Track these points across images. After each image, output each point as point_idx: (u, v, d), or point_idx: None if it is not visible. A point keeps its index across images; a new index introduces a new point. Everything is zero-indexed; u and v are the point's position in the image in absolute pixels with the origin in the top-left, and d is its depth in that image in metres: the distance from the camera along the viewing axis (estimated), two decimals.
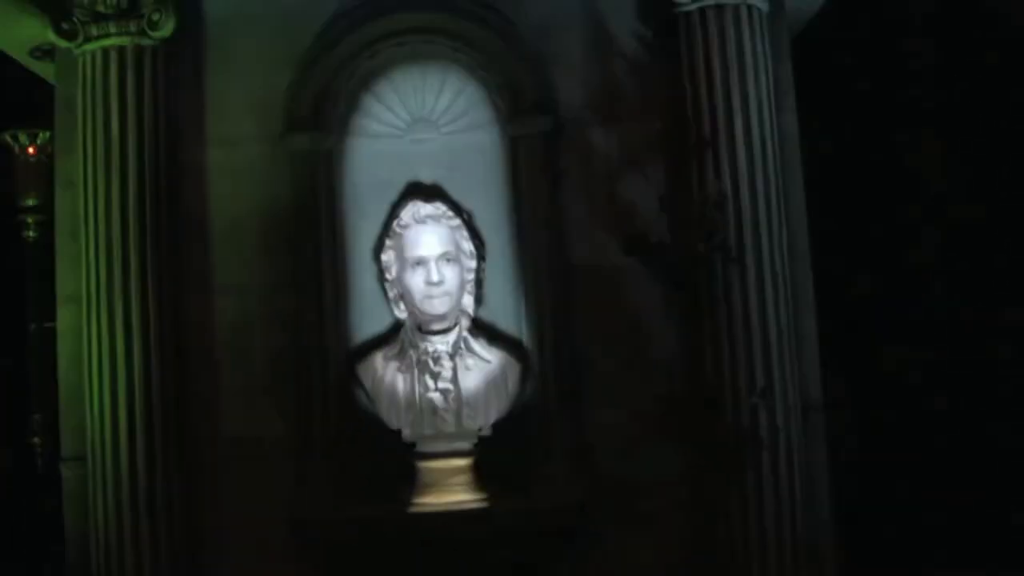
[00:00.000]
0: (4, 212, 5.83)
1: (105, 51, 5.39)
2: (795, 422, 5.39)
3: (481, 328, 5.60)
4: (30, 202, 5.66)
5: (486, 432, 5.42)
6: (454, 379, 5.43)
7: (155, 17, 5.41)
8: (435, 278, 5.55)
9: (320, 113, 5.57)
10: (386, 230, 5.62)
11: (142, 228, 5.33)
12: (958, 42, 7.53)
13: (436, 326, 5.54)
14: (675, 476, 5.41)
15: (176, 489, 5.30)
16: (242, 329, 5.55)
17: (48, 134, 5.71)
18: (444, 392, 5.40)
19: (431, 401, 5.39)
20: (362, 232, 5.67)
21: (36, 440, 5.48)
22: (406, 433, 5.36)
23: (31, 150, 5.66)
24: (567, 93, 5.66)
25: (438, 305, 5.56)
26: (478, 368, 5.47)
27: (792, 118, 5.70)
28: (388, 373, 5.46)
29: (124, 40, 5.39)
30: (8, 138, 5.74)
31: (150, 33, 5.41)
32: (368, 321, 5.64)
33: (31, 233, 5.62)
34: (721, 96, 5.46)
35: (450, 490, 5.28)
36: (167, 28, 5.43)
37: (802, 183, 5.70)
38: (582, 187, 5.64)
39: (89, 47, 5.41)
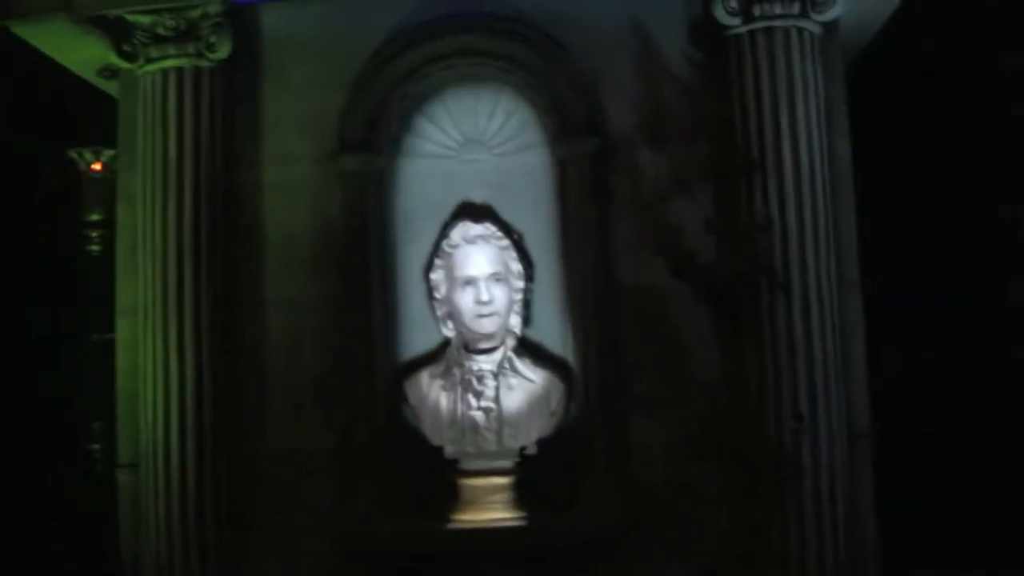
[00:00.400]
0: (70, 226, 6.04)
1: (164, 72, 5.59)
2: (840, 449, 5.35)
3: (527, 348, 5.65)
4: (94, 217, 5.86)
5: (530, 451, 5.49)
6: (496, 398, 5.48)
7: (212, 40, 5.58)
8: (485, 297, 5.62)
9: (372, 134, 5.68)
10: (436, 249, 5.70)
11: (196, 244, 5.50)
12: None
13: (483, 345, 5.61)
14: (716, 497, 5.39)
15: (224, 498, 5.46)
16: (292, 344, 5.67)
17: (112, 152, 5.89)
18: (486, 411, 5.46)
19: (473, 419, 5.45)
20: (412, 251, 5.77)
21: (95, 447, 5.66)
22: (448, 450, 5.44)
23: (96, 167, 5.86)
24: (616, 114, 5.69)
25: (487, 324, 5.62)
26: (521, 388, 5.52)
27: (844, 142, 5.65)
28: (433, 391, 5.54)
29: (183, 62, 5.58)
30: (74, 155, 5.95)
31: (208, 55, 5.59)
32: (417, 339, 5.74)
33: (95, 247, 5.81)
34: (769, 118, 5.45)
35: (490, 507, 5.35)
36: (224, 50, 5.60)
37: (853, 208, 5.64)
38: (630, 208, 5.66)
39: (149, 68, 5.61)
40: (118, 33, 5.58)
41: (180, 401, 5.42)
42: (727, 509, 5.40)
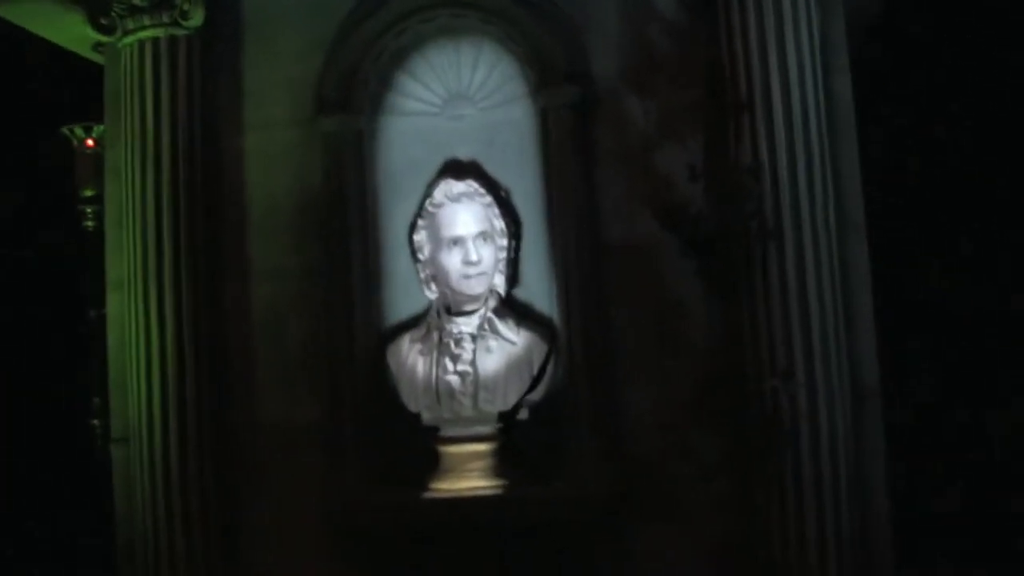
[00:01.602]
0: (66, 203, 6.09)
1: (141, 43, 5.52)
2: (842, 409, 4.96)
3: (512, 308, 5.42)
4: (88, 193, 5.89)
5: (522, 415, 5.28)
6: (473, 361, 5.27)
7: (186, 7, 5.49)
8: (474, 257, 5.41)
9: (349, 94, 5.51)
10: (420, 209, 5.51)
11: (175, 215, 5.43)
12: None
13: (468, 307, 5.40)
14: (713, 465, 5.06)
15: (210, 471, 5.38)
16: (277, 314, 5.57)
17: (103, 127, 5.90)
18: (462, 375, 5.25)
19: (448, 384, 5.25)
20: (399, 213, 5.59)
21: (95, 422, 5.69)
22: (425, 417, 5.26)
23: (89, 143, 5.89)
24: (600, 61, 5.38)
25: (475, 285, 5.41)
26: (500, 350, 5.29)
27: (844, 79, 5.22)
28: (411, 356, 5.36)
29: (158, 32, 5.50)
30: (67, 132, 5.98)
31: (182, 23, 5.50)
32: (404, 303, 5.56)
33: (90, 223, 5.84)
34: (757, 55, 5.06)
35: (468, 476, 5.16)
36: (197, 18, 5.51)
37: (856, 148, 5.22)
38: (617, 159, 5.35)
39: (127, 40, 5.54)
40: (95, 6, 5.54)
41: (162, 373, 5.36)
42: (728, 478, 5.09)
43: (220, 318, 5.54)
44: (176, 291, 5.40)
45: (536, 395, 5.32)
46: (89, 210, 5.85)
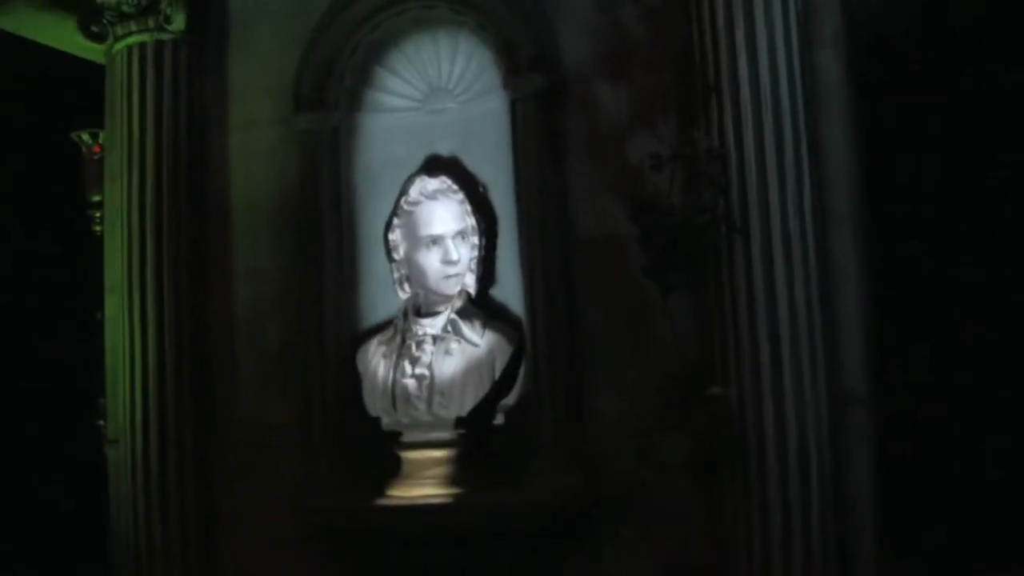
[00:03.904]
0: (77, 208, 6.23)
1: (130, 48, 5.57)
2: (815, 416, 4.50)
3: (482, 309, 5.18)
4: (96, 198, 5.99)
5: (498, 421, 5.05)
6: (431, 364, 5.06)
7: (168, 12, 5.51)
8: (454, 256, 5.22)
9: (324, 91, 5.40)
10: (395, 208, 5.35)
11: (159, 217, 5.45)
12: None
13: (440, 308, 5.21)
14: (684, 472, 4.71)
15: (190, 469, 5.38)
16: (257, 314, 5.52)
17: None
18: (419, 378, 5.03)
19: (405, 387, 5.04)
20: (378, 211, 5.43)
21: (101, 423, 5.79)
22: (384, 421, 5.09)
23: (96, 148, 6.00)
24: (570, 47, 5.09)
25: (453, 285, 5.23)
26: (461, 352, 5.05)
27: (831, 53, 4.72)
28: (375, 358, 5.19)
29: (145, 37, 5.54)
30: (76, 138, 6.12)
31: (166, 28, 5.52)
32: (382, 304, 5.40)
33: (98, 227, 5.94)
34: (724, 31, 4.65)
35: (424, 483, 4.96)
36: (179, 22, 5.52)
37: (846, 130, 4.73)
38: (587, 149, 5.05)
39: (119, 47, 5.62)
40: (87, 14, 5.64)
41: (144, 375, 5.38)
42: (696, 486, 4.73)
43: (203, 319, 5.52)
44: (159, 292, 5.42)
45: (510, 399, 5.09)
46: (97, 215, 5.96)
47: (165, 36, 5.55)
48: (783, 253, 4.55)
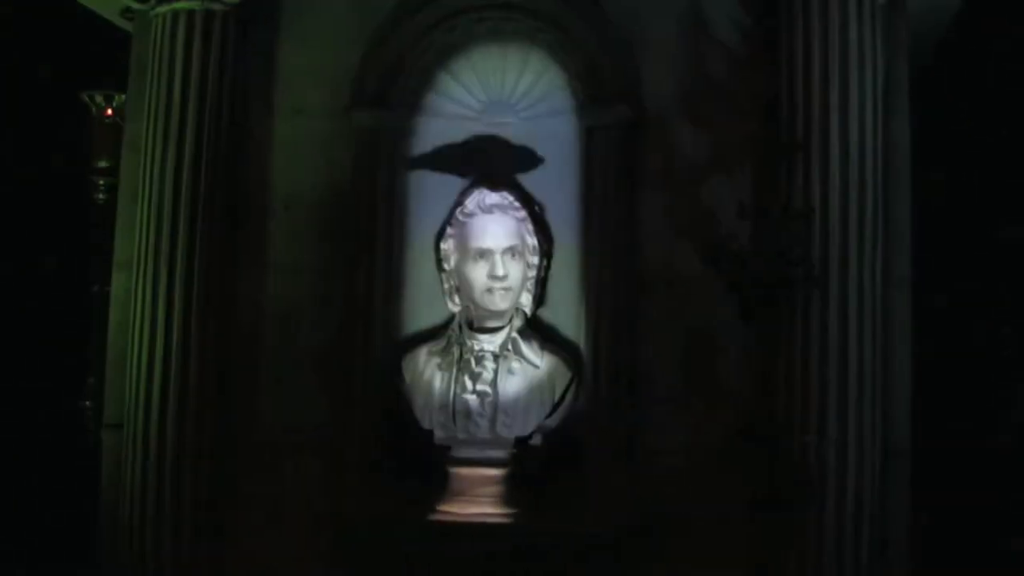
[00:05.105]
0: (77, 172, 5.82)
1: (175, 14, 5.27)
2: (870, 469, 4.79)
3: (537, 330, 5.22)
4: (102, 164, 5.61)
5: (534, 441, 5.07)
6: (494, 382, 5.06)
7: None
8: (500, 272, 5.20)
9: (389, 89, 5.29)
10: (449, 217, 5.29)
11: (194, 195, 5.19)
12: None
13: (491, 323, 5.19)
14: (736, 513, 4.86)
15: (205, 465, 5.15)
16: (292, 310, 5.34)
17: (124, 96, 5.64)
18: (481, 395, 5.04)
19: (466, 403, 5.04)
20: (427, 217, 5.35)
21: (87, 404, 5.43)
22: (438, 435, 5.04)
23: (108, 112, 5.62)
24: (653, 83, 5.18)
25: (499, 301, 5.21)
26: (523, 373, 5.08)
27: (903, 123, 5.03)
28: (428, 369, 5.14)
29: (195, 3, 5.25)
30: (86, 98, 5.72)
31: None
32: (425, 312, 5.34)
33: (101, 195, 5.57)
34: (818, 92, 4.88)
35: (479, 501, 4.94)
36: None
37: (909, 199, 5.04)
38: (662, 186, 5.16)
39: (161, 9, 5.30)
40: None
41: (164, 360, 5.11)
42: (750, 528, 4.87)
43: (231, 308, 5.29)
44: (187, 276, 5.16)
45: (552, 421, 5.13)
46: (102, 182, 5.58)
47: (217, 6, 5.27)
48: (857, 311, 4.81)
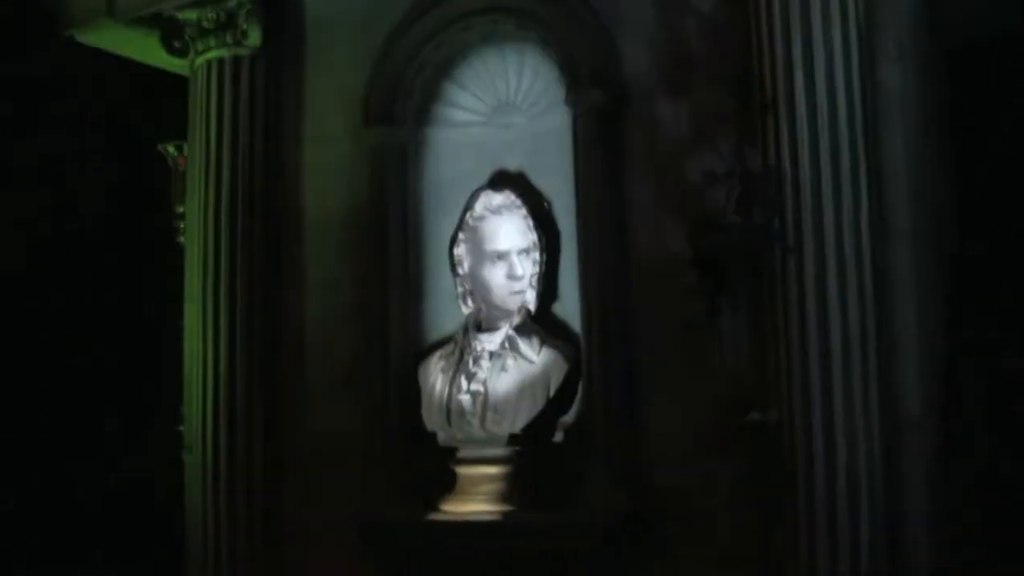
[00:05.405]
0: (165, 219, 6.42)
1: (209, 63, 5.74)
2: (868, 444, 4.36)
3: (542, 325, 5.17)
4: (181, 209, 6.15)
5: (557, 439, 5.03)
6: (487, 380, 5.07)
7: (245, 27, 5.66)
8: (519, 272, 5.25)
9: (393, 106, 5.47)
10: (460, 222, 5.38)
11: (233, 228, 5.60)
12: None
13: (502, 323, 5.22)
14: (738, 493, 4.60)
15: (258, 477, 5.50)
16: (328, 325, 5.61)
17: None
18: (474, 394, 5.06)
19: (460, 403, 5.08)
20: (445, 226, 5.46)
21: (181, 429, 5.93)
22: (440, 437, 5.12)
23: (181, 160, 6.16)
24: (632, 62, 5.05)
25: (519, 300, 5.24)
26: (516, 369, 5.06)
27: (893, 69, 4.59)
28: (435, 373, 5.23)
29: (223, 52, 5.71)
30: (162, 150, 6.30)
31: (243, 42, 5.68)
32: (449, 319, 5.42)
33: (182, 239, 6.09)
34: (781, 47, 4.56)
35: (476, 499, 4.97)
36: (255, 37, 5.68)
37: (907, 147, 4.58)
38: (647, 167, 4.99)
39: (199, 61, 5.79)
40: (169, 30, 5.81)
41: (215, 383, 5.54)
42: (751, 509, 4.61)
43: (276, 328, 5.65)
44: (231, 302, 5.58)
45: (569, 417, 5.07)
46: (182, 225, 6.13)
47: (242, 51, 5.71)
48: (836, 272, 4.43)
